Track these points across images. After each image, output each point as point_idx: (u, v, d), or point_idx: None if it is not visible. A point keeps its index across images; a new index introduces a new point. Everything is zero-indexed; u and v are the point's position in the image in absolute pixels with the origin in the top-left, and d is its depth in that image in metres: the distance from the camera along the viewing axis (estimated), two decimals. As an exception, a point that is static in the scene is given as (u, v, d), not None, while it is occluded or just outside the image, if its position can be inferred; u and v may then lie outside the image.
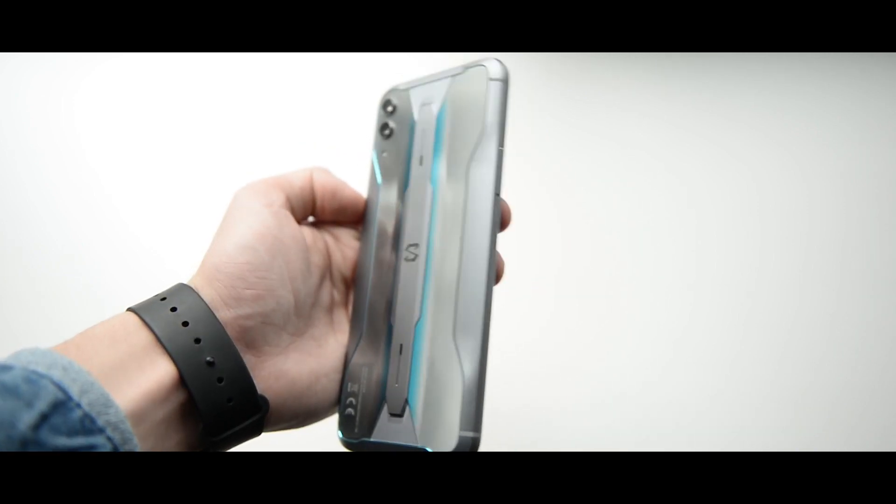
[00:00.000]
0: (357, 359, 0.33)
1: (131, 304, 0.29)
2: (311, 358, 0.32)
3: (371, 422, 0.31)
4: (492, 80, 0.33)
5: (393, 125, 0.36)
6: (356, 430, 0.32)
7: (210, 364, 0.28)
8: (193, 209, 0.63)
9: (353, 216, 0.36)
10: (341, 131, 0.64)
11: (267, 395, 0.30)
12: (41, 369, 0.23)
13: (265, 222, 0.31)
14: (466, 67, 0.34)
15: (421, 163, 0.34)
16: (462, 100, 0.33)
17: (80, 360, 0.24)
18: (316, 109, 0.66)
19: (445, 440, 0.29)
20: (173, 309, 0.28)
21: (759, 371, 0.60)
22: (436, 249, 0.32)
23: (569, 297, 0.63)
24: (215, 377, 0.28)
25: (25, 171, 0.63)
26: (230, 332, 0.29)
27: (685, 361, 0.61)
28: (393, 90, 0.37)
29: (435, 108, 0.34)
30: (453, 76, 0.34)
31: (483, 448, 0.29)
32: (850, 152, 0.64)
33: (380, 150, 0.36)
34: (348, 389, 0.33)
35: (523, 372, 0.61)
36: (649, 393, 0.61)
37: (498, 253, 0.32)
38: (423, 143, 0.34)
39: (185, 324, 0.28)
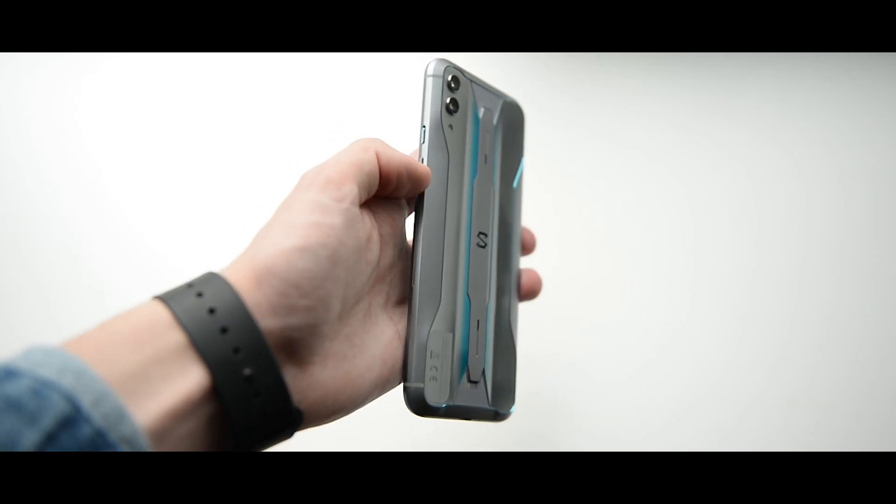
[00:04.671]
0: (436, 327, 0.34)
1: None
2: (345, 361, 0.30)
3: (452, 387, 0.34)
4: (524, 119, 0.42)
5: (460, 102, 0.37)
6: (441, 396, 0.34)
7: (248, 378, 0.25)
8: (197, 207, 0.63)
9: (420, 189, 0.34)
10: (343, 130, 0.65)
11: (301, 407, 0.28)
12: (51, 375, 0.21)
13: (332, 223, 0.28)
14: (508, 98, 0.41)
15: (486, 161, 0.38)
16: (511, 125, 0.41)
17: (97, 364, 0.22)
18: (317, 109, 0.66)
19: (508, 404, 0.38)
20: (211, 311, 0.25)
21: (756, 370, 0.60)
22: (498, 244, 0.38)
23: (567, 296, 0.63)
24: (252, 392, 0.25)
25: (29, 170, 0.63)
26: (273, 342, 0.26)
27: (683, 361, 0.61)
28: (456, 70, 0.37)
29: (493, 119, 0.39)
30: (505, 100, 0.40)
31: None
32: (847, 152, 0.64)
33: (447, 123, 0.36)
34: (430, 357, 0.34)
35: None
36: (647, 393, 0.61)
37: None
38: (485, 143, 0.38)
39: (224, 330, 0.25)
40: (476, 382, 0.36)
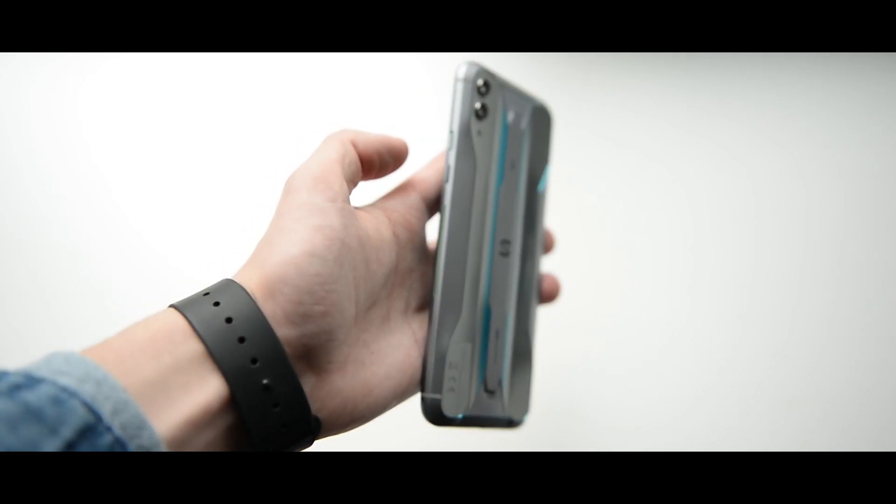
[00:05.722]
0: (456, 337, 0.34)
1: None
2: (363, 368, 0.30)
3: (469, 397, 0.34)
4: (552, 123, 0.41)
5: (489, 108, 0.36)
6: (458, 407, 0.34)
7: (266, 388, 0.25)
8: (197, 207, 0.63)
9: (403, 159, 0.34)
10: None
11: (320, 416, 0.28)
12: (72, 384, 0.21)
13: (332, 224, 0.28)
14: (537, 102, 0.40)
15: (513, 167, 0.38)
16: (539, 130, 0.40)
17: (117, 373, 0.22)
18: (318, 109, 0.66)
19: (523, 411, 0.38)
20: (228, 320, 0.25)
21: (757, 371, 0.60)
22: (521, 250, 0.38)
23: (565, 296, 0.63)
24: (271, 402, 0.25)
25: (29, 170, 0.63)
26: (290, 351, 0.26)
27: (683, 362, 0.61)
28: (487, 73, 0.36)
29: (522, 124, 0.39)
30: (535, 104, 0.40)
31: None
32: (847, 152, 0.64)
33: (475, 129, 0.35)
34: (449, 368, 0.33)
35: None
36: (646, 393, 0.61)
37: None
38: (513, 149, 0.38)
39: (242, 340, 0.25)
40: (492, 392, 0.36)
